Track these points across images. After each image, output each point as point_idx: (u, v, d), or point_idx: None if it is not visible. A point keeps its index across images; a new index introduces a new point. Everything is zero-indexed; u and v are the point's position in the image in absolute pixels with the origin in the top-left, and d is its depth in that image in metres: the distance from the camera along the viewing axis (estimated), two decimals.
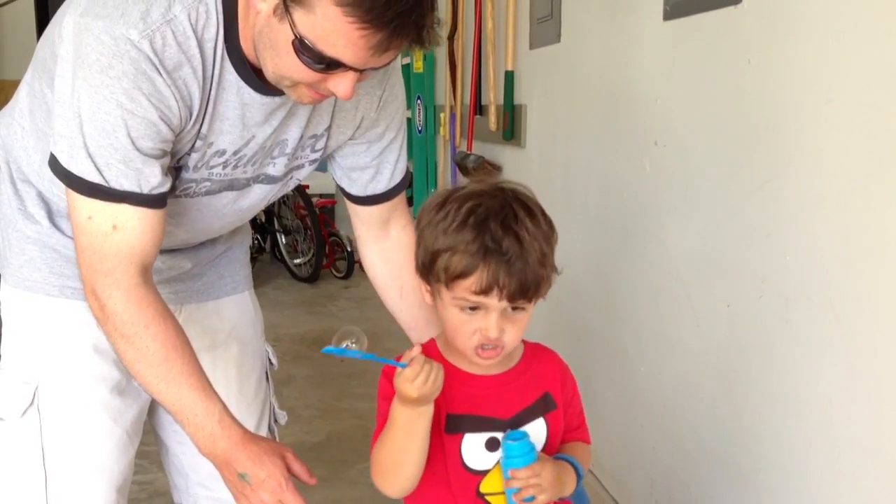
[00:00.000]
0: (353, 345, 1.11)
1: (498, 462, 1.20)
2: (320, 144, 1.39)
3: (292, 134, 1.33)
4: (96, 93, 1.12)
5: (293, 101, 1.21)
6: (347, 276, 5.84)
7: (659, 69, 2.26)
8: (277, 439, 1.67)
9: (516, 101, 3.55)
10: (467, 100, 4.24)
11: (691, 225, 2.11)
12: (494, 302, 1.12)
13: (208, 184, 1.32)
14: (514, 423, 1.21)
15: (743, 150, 1.86)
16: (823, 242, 1.60)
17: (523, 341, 1.29)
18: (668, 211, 2.23)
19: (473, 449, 1.20)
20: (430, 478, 1.19)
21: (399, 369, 1.11)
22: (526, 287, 1.11)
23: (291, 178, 1.43)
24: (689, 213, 2.12)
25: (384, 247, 1.54)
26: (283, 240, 6.02)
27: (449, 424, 1.19)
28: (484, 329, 1.14)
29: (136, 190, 1.17)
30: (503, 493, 1.20)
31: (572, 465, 1.26)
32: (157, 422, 1.56)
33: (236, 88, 1.22)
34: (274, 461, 1.21)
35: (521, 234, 1.11)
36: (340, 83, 1.11)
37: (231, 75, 1.21)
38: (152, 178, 1.18)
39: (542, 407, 1.25)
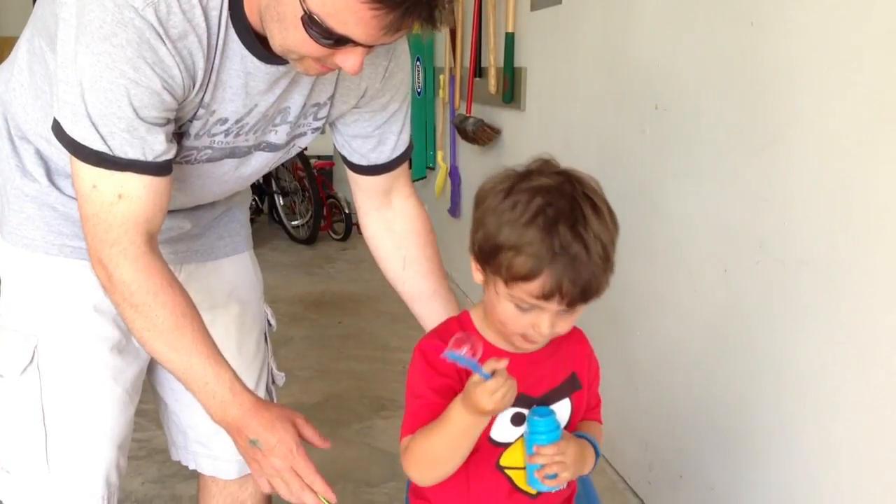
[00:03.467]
0: (468, 353, 1.05)
1: (521, 436, 1.19)
2: (323, 113, 1.38)
3: (295, 102, 1.32)
4: (99, 61, 1.10)
5: (299, 71, 1.20)
6: (345, 238, 5.84)
7: (660, 32, 2.25)
8: (276, 400, 1.68)
9: (516, 63, 3.53)
10: (467, 62, 4.20)
11: (690, 189, 2.11)
12: (553, 306, 1.09)
13: (209, 151, 1.31)
14: (543, 401, 1.20)
15: (743, 115, 1.85)
16: (821, 208, 1.60)
17: None
18: (668, 175, 2.22)
19: (500, 423, 1.19)
20: None
21: (479, 377, 1.06)
22: (588, 294, 1.09)
23: (293, 145, 1.42)
24: (688, 177, 2.12)
25: (386, 216, 1.52)
26: (281, 201, 6.01)
27: None
28: (536, 326, 1.11)
29: (141, 158, 1.16)
30: (523, 468, 1.19)
31: (592, 444, 1.26)
32: (155, 379, 1.57)
33: (240, 57, 1.20)
34: (285, 426, 1.21)
35: (589, 241, 1.07)
36: (349, 58, 1.10)
37: (235, 44, 1.19)
38: (157, 146, 1.16)
39: (569, 387, 1.24)
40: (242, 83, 1.22)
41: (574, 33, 2.90)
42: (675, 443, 2.24)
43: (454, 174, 4.45)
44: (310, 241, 5.77)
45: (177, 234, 1.47)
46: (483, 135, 3.84)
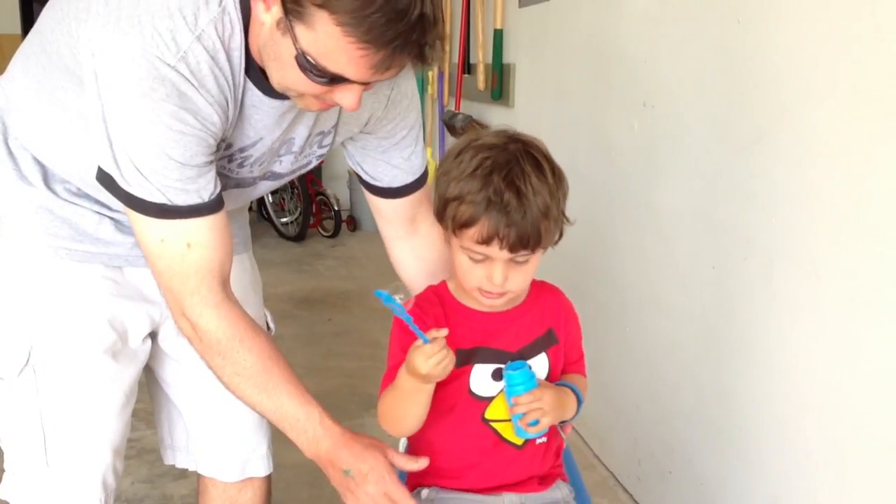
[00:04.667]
0: (401, 299, 1.15)
1: (502, 391, 1.27)
2: (327, 140, 1.39)
3: (300, 133, 1.33)
4: (142, 118, 1.11)
5: (300, 108, 1.22)
6: (334, 235, 5.83)
7: (648, 30, 2.25)
8: None
9: (505, 60, 3.53)
10: (455, 58, 4.20)
11: (678, 186, 2.12)
12: (496, 251, 1.17)
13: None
14: (519, 356, 1.27)
15: (730, 112, 1.86)
16: (808, 204, 1.60)
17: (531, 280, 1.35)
18: (656, 172, 2.23)
19: (480, 378, 1.27)
20: (435, 407, 1.25)
21: (420, 342, 1.15)
22: (525, 238, 1.16)
23: (296, 173, 1.44)
24: (677, 173, 2.12)
25: (414, 244, 1.53)
26: (270, 198, 5.99)
27: (459, 357, 1.23)
28: (489, 276, 1.20)
29: (199, 201, 1.17)
30: (508, 420, 1.27)
31: (573, 390, 1.32)
32: (161, 379, 1.56)
33: (249, 91, 1.22)
34: (375, 455, 1.24)
35: (523, 188, 1.16)
36: (346, 95, 1.12)
37: (246, 80, 1.21)
38: (209, 186, 1.18)
39: (545, 342, 1.31)
40: (248, 115, 1.24)
41: (562, 30, 2.91)
42: (664, 439, 2.25)
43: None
44: (299, 238, 5.76)
45: None
46: (472, 131, 3.84)
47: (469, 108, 4.07)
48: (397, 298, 1.14)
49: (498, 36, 3.53)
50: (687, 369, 2.10)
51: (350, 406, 3.03)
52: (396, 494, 1.23)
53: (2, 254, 1.38)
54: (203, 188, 1.17)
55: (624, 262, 2.45)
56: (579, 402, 1.34)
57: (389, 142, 1.42)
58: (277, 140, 1.30)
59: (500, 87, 3.54)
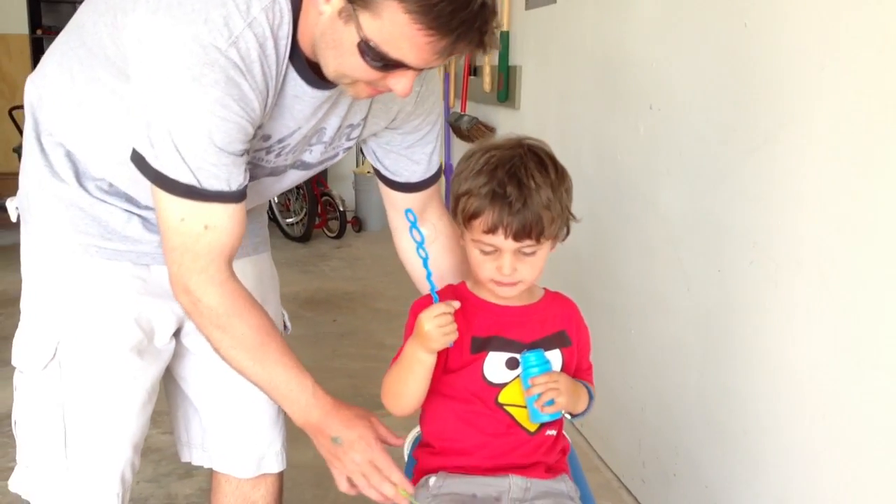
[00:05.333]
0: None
1: (517, 377, 1.32)
2: (356, 133, 1.43)
3: (332, 123, 1.37)
4: (188, 100, 1.13)
5: (350, 95, 1.24)
6: (339, 235, 5.84)
7: (655, 32, 2.25)
8: None
9: (511, 62, 3.53)
10: (462, 60, 4.21)
11: (684, 188, 2.12)
12: (501, 240, 1.25)
13: (251, 167, 1.34)
14: (533, 347, 1.32)
15: (737, 115, 1.86)
16: (813, 208, 1.60)
17: (545, 288, 1.41)
18: (662, 174, 2.23)
19: (494, 366, 1.32)
20: (448, 391, 1.30)
21: (433, 303, 1.24)
22: (528, 228, 1.23)
23: (323, 164, 1.47)
24: (682, 176, 2.13)
25: (423, 234, 1.57)
26: (276, 199, 6.00)
27: (474, 345, 1.31)
28: (499, 267, 1.27)
29: (226, 189, 1.20)
30: (522, 406, 1.31)
31: (585, 387, 1.38)
32: (179, 377, 1.58)
33: (292, 81, 1.25)
34: (363, 423, 1.29)
35: (525, 181, 1.24)
36: (400, 80, 1.15)
37: (290, 68, 1.24)
38: (239, 176, 1.21)
39: (559, 340, 1.36)
40: (289, 105, 1.27)
41: (569, 32, 2.91)
42: (669, 441, 2.25)
43: (449, 172, 4.46)
44: (304, 238, 5.76)
45: None
46: (478, 133, 3.85)
47: (475, 109, 4.07)
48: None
49: (504, 38, 3.53)
50: (692, 371, 2.11)
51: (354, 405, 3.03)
52: (381, 462, 1.27)
53: (32, 249, 1.40)
54: (233, 177, 1.20)
55: (629, 264, 2.45)
56: (591, 398, 1.38)
57: (414, 137, 1.47)
58: (311, 129, 1.34)
59: (506, 89, 3.55)
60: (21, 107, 5.35)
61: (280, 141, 1.32)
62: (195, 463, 1.66)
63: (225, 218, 1.22)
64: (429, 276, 1.26)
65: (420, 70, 1.14)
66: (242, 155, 1.21)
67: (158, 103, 1.14)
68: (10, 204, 1.46)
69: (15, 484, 1.44)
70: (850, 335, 1.52)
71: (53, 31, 6.38)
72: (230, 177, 1.20)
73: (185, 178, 1.17)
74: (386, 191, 1.54)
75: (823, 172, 1.58)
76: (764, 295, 1.78)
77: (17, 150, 6.08)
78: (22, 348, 1.41)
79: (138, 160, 1.19)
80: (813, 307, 1.61)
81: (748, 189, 1.82)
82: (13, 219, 1.47)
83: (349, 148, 1.46)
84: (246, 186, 1.24)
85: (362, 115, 1.39)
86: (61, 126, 1.36)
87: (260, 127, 1.26)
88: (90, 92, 1.28)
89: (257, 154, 1.32)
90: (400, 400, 1.33)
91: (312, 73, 1.23)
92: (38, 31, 6.42)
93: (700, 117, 2.03)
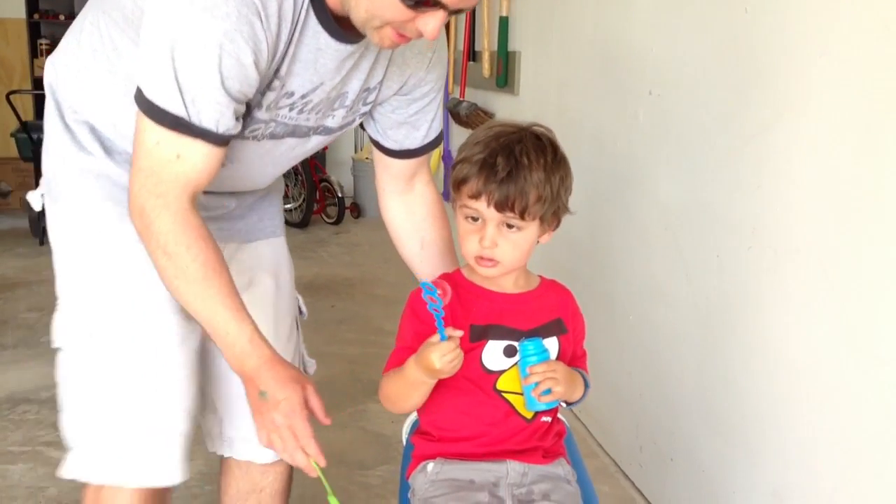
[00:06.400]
0: (442, 297, 1.22)
1: (515, 364, 1.32)
2: (371, 97, 1.44)
3: (353, 87, 1.37)
4: (197, 29, 1.13)
5: (374, 43, 1.24)
6: (338, 221, 5.83)
7: (655, 18, 2.25)
8: None
9: (510, 47, 3.52)
10: (461, 45, 4.19)
11: (683, 175, 2.12)
12: (484, 206, 1.25)
13: (273, 125, 1.35)
14: (531, 335, 1.33)
15: (737, 101, 1.86)
16: (813, 195, 1.60)
17: (540, 276, 1.42)
18: (661, 161, 2.23)
19: (493, 354, 1.32)
20: (445, 381, 1.29)
21: (437, 338, 1.22)
22: (511, 199, 1.24)
23: (343, 129, 1.48)
24: (681, 163, 2.12)
25: (408, 200, 1.60)
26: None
27: (473, 334, 1.31)
28: (481, 239, 1.28)
29: (213, 129, 1.20)
30: (520, 393, 1.32)
31: (581, 375, 1.39)
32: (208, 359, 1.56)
33: (313, 33, 1.26)
34: (294, 387, 1.25)
35: (518, 157, 1.25)
36: (430, 21, 1.16)
37: (311, 20, 1.25)
38: (229, 121, 1.21)
39: (556, 327, 1.37)
40: (312, 59, 1.28)
41: (568, 17, 2.90)
42: (666, 426, 2.26)
43: (447, 158, 4.45)
44: (302, 224, 5.76)
45: (221, 213, 1.51)
46: (477, 119, 3.84)
47: (474, 95, 4.06)
48: (438, 293, 1.20)
49: (503, 23, 3.52)
50: (690, 358, 2.11)
51: (353, 391, 3.04)
52: (300, 431, 1.24)
53: (66, 226, 1.40)
54: (223, 119, 1.20)
55: (628, 250, 2.45)
56: (586, 386, 1.39)
57: (421, 104, 1.49)
58: (335, 89, 1.34)
59: (505, 74, 3.54)
60: (19, 91, 5.36)
61: (303, 97, 1.32)
62: (218, 453, 1.64)
63: (200, 156, 1.21)
64: (438, 318, 1.21)
65: (452, 12, 1.15)
66: (239, 101, 1.21)
67: (166, 31, 1.15)
68: (32, 196, 1.46)
69: (70, 470, 1.40)
70: (848, 323, 1.53)
71: (51, 16, 6.33)
72: (221, 118, 1.19)
73: (176, 108, 1.17)
74: (381, 157, 1.56)
75: (822, 159, 1.57)
76: (762, 282, 1.78)
77: (14, 135, 6.05)
78: (66, 325, 1.39)
79: (137, 94, 1.20)
80: (811, 294, 1.62)
81: (747, 176, 1.82)
82: (37, 208, 1.46)
83: (365, 114, 1.47)
84: (232, 137, 1.24)
85: (378, 79, 1.40)
86: (84, 102, 1.36)
87: (283, 85, 1.27)
88: (110, 67, 1.30)
89: (280, 111, 1.32)
90: (401, 407, 1.34)
91: (336, 25, 1.24)
92: (35, 16, 6.37)
93: (699, 104, 2.02)
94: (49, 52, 6.38)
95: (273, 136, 1.37)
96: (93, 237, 1.38)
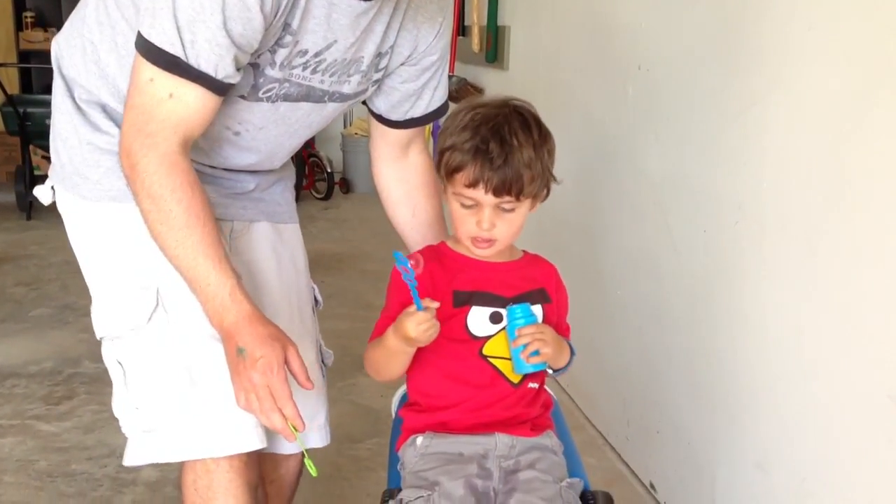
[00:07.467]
0: (415, 268, 1.21)
1: (501, 329, 1.33)
2: (383, 63, 1.43)
3: (368, 51, 1.37)
4: None
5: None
6: (327, 197, 5.82)
7: None
8: (325, 378, 1.65)
9: (500, 22, 3.51)
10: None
11: (671, 150, 2.12)
12: (481, 194, 1.27)
13: (287, 85, 1.33)
14: (517, 301, 1.34)
15: (725, 77, 1.86)
16: (800, 171, 1.61)
17: (524, 251, 1.43)
18: (650, 136, 2.23)
19: (478, 319, 1.34)
20: (433, 346, 1.29)
21: (414, 308, 1.22)
22: (507, 184, 1.26)
23: (358, 99, 1.47)
24: (670, 138, 2.13)
25: (402, 166, 1.60)
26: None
27: (456, 299, 1.33)
28: (478, 222, 1.29)
29: (211, 73, 1.17)
30: (506, 358, 1.33)
31: (567, 343, 1.41)
32: None
33: None
34: (274, 346, 1.20)
35: (507, 139, 1.26)
36: None
37: None
38: (228, 67, 1.18)
39: (539, 296, 1.38)
40: (326, 14, 1.26)
41: None
42: (653, 399, 2.28)
43: (436, 133, 4.44)
44: None
45: (241, 192, 1.50)
46: (466, 94, 3.83)
47: (463, 70, 4.05)
48: (411, 263, 1.21)
49: None
50: (677, 332, 2.13)
51: (343, 366, 3.03)
52: (278, 391, 1.19)
53: (94, 209, 1.35)
54: (222, 65, 1.18)
55: (616, 225, 2.46)
56: (572, 353, 1.40)
57: (427, 73, 1.49)
58: (349, 50, 1.33)
59: (494, 49, 3.52)
60: (4, 64, 5.30)
61: (317, 55, 1.30)
62: None
63: (195, 98, 1.19)
64: (413, 287, 1.20)
65: None
66: (241, 48, 1.19)
67: None
68: (40, 191, 1.42)
69: (140, 456, 1.34)
70: (833, 297, 1.54)
71: None
72: (220, 62, 1.17)
73: (173, 49, 1.16)
74: (380, 127, 1.56)
75: (810, 135, 1.58)
76: (749, 256, 1.79)
77: (0, 109, 5.94)
78: (112, 313, 1.33)
79: (136, 38, 1.18)
80: (797, 269, 1.63)
81: (735, 151, 1.83)
82: (46, 202, 1.42)
83: (377, 81, 1.46)
84: (230, 86, 1.21)
85: (390, 44, 1.40)
86: (93, 80, 1.34)
87: (296, 42, 1.26)
88: (116, 38, 1.29)
89: (293, 70, 1.30)
90: (384, 374, 1.36)
91: None
92: None
93: (688, 79, 2.03)
94: (34, 24, 6.31)
95: (287, 98, 1.34)
96: (123, 220, 1.31)
